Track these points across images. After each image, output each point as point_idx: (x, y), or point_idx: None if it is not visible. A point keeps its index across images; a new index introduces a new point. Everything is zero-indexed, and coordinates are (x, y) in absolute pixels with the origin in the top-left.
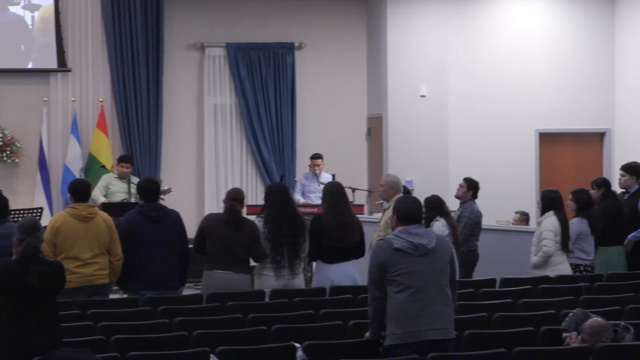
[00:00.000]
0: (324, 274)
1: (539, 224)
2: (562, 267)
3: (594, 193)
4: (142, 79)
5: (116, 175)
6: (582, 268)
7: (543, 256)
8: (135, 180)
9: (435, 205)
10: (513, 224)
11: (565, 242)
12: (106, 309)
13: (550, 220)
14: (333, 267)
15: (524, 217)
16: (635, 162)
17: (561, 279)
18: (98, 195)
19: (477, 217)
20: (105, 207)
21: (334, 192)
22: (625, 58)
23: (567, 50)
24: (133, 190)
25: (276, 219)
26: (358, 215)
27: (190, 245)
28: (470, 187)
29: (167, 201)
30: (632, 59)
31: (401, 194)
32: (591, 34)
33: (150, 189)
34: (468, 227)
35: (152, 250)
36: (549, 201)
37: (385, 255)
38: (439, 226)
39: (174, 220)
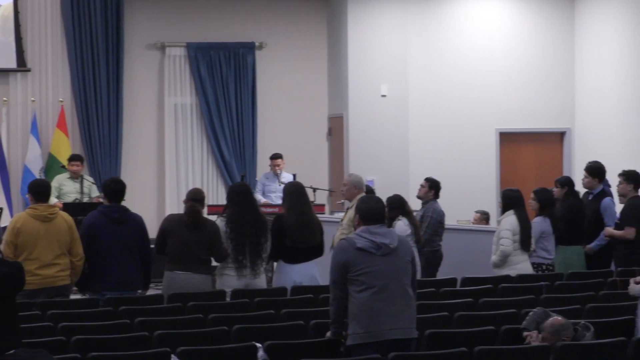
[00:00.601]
0: (287, 275)
1: (499, 223)
2: (522, 266)
3: (557, 192)
4: (102, 79)
5: (68, 176)
6: (544, 267)
7: (501, 255)
8: (89, 179)
9: (397, 205)
10: (473, 223)
11: (525, 241)
12: (66, 310)
13: (509, 219)
14: (296, 267)
15: (484, 217)
16: (598, 164)
17: (522, 278)
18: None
19: (440, 216)
20: (66, 207)
21: (295, 192)
22: (585, 58)
23: (528, 50)
24: (85, 190)
25: (238, 219)
26: (319, 215)
27: (152, 246)
28: (432, 187)
29: (128, 201)
30: (592, 59)
31: (364, 194)
32: (551, 34)
33: (117, 189)
34: (431, 227)
35: (113, 251)
36: (509, 200)
37: (347, 255)
38: (401, 225)
39: (137, 222)
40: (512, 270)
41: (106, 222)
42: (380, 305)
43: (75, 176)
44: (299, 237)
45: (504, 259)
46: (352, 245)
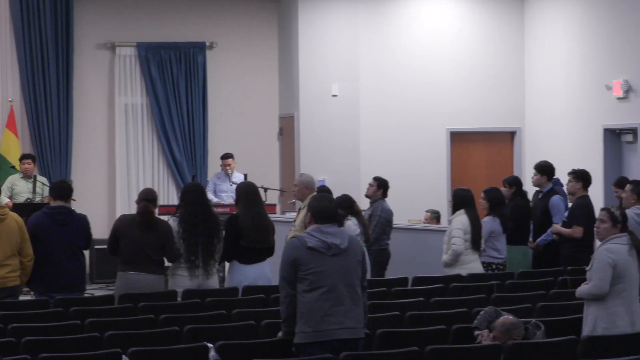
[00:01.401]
0: (241, 275)
1: (449, 222)
2: (473, 265)
3: (505, 191)
4: (52, 79)
5: (21, 176)
6: (494, 266)
7: (452, 255)
8: (42, 179)
9: (346, 205)
10: (424, 222)
11: (475, 240)
12: (16, 311)
13: (460, 219)
14: (250, 267)
15: (435, 216)
16: (546, 162)
17: (473, 277)
18: (2, 196)
19: (388, 215)
20: (18, 207)
21: (249, 192)
22: (535, 58)
23: (478, 49)
24: (38, 189)
25: (191, 219)
26: (270, 215)
27: (104, 246)
28: (380, 186)
29: (78, 202)
30: (542, 59)
31: (315, 193)
32: (501, 34)
33: (63, 187)
34: (380, 225)
35: (57, 253)
36: (460, 200)
37: (298, 253)
38: (351, 225)
39: (81, 223)
40: (463, 270)
41: (50, 223)
42: (328, 305)
43: (28, 175)
44: (254, 237)
45: (456, 259)
46: (303, 244)
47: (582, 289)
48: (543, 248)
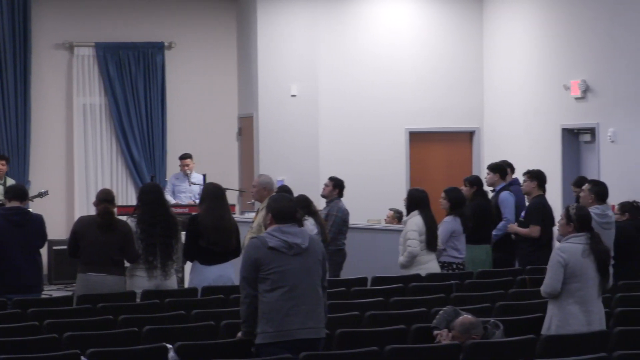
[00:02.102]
0: (202, 275)
1: (404, 223)
2: (429, 265)
3: (465, 190)
4: (10, 79)
5: None
6: (454, 266)
7: (409, 256)
8: (12, 181)
9: (303, 205)
10: (386, 220)
11: (431, 241)
12: None
13: (415, 220)
14: (211, 268)
15: (397, 215)
16: (500, 161)
17: (432, 277)
18: None
19: (344, 215)
20: None
21: (214, 194)
22: (493, 58)
23: (437, 49)
24: None
25: (149, 219)
26: None
27: (63, 247)
28: (336, 186)
29: (37, 202)
30: (501, 59)
31: (275, 194)
32: (460, 34)
33: (20, 188)
34: (336, 225)
35: (16, 254)
36: (414, 200)
37: (259, 253)
38: (308, 225)
39: (37, 223)
40: (420, 270)
41: (6, 225)
42: (289, 305)
43: (0, 177)
44: (213, 239)
45: (412, 260)
46: (264, 244)
47: (541, 288)
48: (494, 244)
